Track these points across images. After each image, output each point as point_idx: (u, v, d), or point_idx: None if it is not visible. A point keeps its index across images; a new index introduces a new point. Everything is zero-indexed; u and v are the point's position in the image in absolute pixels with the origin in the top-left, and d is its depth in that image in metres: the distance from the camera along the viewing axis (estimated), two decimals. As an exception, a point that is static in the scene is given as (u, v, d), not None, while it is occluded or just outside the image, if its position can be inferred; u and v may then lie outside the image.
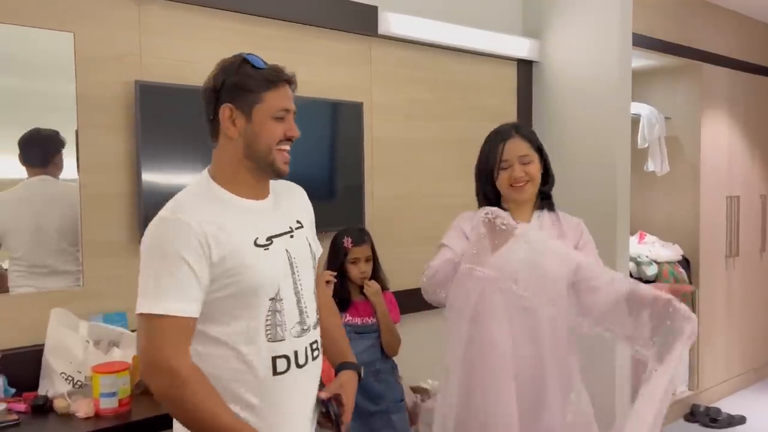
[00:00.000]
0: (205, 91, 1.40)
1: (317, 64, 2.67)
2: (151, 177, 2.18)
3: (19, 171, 2.02)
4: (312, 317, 1.44)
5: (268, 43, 2.52)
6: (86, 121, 2.11)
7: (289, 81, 1.40)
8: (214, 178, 1.39)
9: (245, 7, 2.43)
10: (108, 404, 1.78)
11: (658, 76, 4.34)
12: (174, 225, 1.28)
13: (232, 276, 1.30)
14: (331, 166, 2.69)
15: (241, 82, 1.35)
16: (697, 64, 4.15)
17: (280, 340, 1.35)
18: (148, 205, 2.17)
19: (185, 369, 1.25)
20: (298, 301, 1.40)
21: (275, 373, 1.34)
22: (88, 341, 1.93)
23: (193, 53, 2.33)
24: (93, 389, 1.79)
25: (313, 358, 1.43)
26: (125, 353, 1.94)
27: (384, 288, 2.34)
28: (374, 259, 2.34)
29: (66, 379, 1.87)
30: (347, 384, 1.55)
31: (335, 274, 2.24)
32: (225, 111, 1.35)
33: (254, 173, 1.39)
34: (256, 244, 1.34)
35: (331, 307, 1.70)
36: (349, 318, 2.27)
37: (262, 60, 1.40)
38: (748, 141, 4.63)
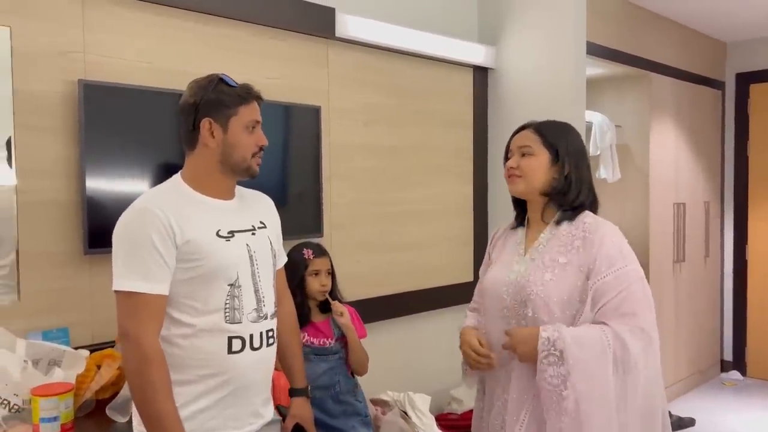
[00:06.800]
0: (184, 106, 1.57)
1: (271, 66, 2.57)
2: (97, 183, 2.04)
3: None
4: (269, 307, 1.61)
5: (220, 42, 2.41)
6: (24, 122, 1.95)
7: (258, 97, 1.62)
8: (185, 179, 1.57)
9: (197, 4, 2.31)
10: (49, 430, 1.63)
11: (609, 85, 4.42)
12: (142, 213, 1.46)
13: (193, 260, 1.47)
14: (286, 172, 2.59)
15: (218, 98, 1.54)
16: (645, 74, 4.24)
17: (237, 323, 1.51)
18: (93, 213, 2.03)
19: (150, 347, 1.42)
20: (257, 291, 1.57)
21: (230, 351, 1.51)
22: (26, 361, 1.77)
23: (141, 52, 2.20)
24: (32, 414, 1.64)
25: (268, 345, 1.59)
26: (68, 373, 1.79)
27: (340, 301, 2.26)
28: (332, 273, 2.25)
29: (1, 404, 1.70)
30: (302, 413, 1.81)
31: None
32: (205, 124, 1.54)
33: (226, 176, 1.58)
34: (217, 235, 1.52)
35: (293, 323, 1.86)
36: (307, 338, 2.15)
37: (233, 80, 1.60)
38: (693, 149, 4.77)
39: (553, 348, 1.53)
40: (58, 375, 1.77)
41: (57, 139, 2.02)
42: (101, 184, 2.05)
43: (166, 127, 2.18)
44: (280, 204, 2.56)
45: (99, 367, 1.90)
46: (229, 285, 1.51)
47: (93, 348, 2.02)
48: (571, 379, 1.52)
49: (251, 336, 1.53)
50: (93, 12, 2.09)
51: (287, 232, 2.40)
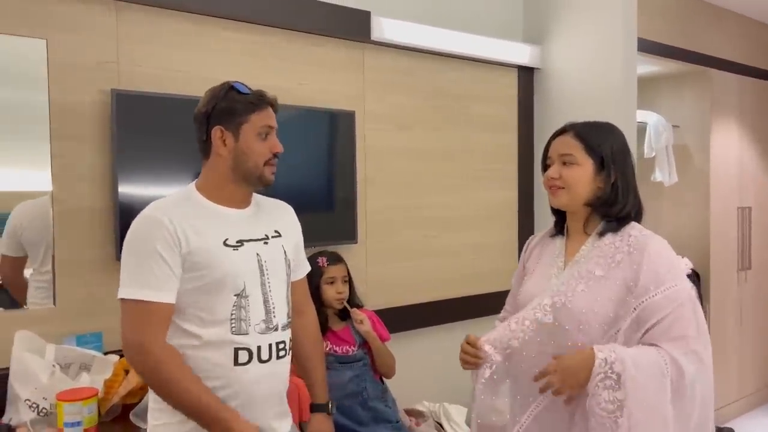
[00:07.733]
0: (197, 115, 1.56)
1: (307, 72, 2.56)
2: (129, 190, 2.07)
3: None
4: (280, 319, 1.56)
5: (253, 49, 2.41)
6: (60, 131, 2.01)
7: (271, 104, 1.58)
8: (198, 188, 1.56)
9: (230, 12, 2.33)
10: (72, 434, 1.66)
11: (666, 83, 4.21)
12: (148, 221, 1.45)
13: (199, 270, 1.45)
14: (323, 177, 2.57)
15: (229, 106, 1.53)
16: (704, 70, 4.01)
17: (244, 334, 1.48)
18: (125, 220, 2.05)
19: (158, 348, 1.40)
20: (266, 301, 1.53)
21: (236, 363, 1.47)
22: (54, 365, 1.81)
23: (173, 61, 2.23)
24: (57, 418, 1.67)
25: (278, 357, 1.55)
26: (95, 378, 1.82)
27: (359, 307, 2.22)
28: (349, 280, 2.22)
29: (30, 407, 1.74)
30: (322, 430, 1.76)
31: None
32: (216, 132, 1.53)
33: (239, 185, 1.55)
34: (225, 244, 1.49)
35: (315, 334, 1.80)
36: (330, 346, 2.13)
37: (246, 86, 1.56)
38: (760, 150, 4.49)
39: (610, 371, 1.41)
40: (85, 380, 1.80)
41: (91, 147, 2.07)
42: (133, 192, 2.08)
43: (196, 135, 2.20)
44: (314, 210, 2.56)
45: (127, 371, 1.92)
46: (235, 295, 1.47)
47: (125, 353, 2.05)
48: (628, 404, 1.40)
49: (259, 348, 1.49)
50: (126, 23, 2.13)
51: (320, 239, 2.39)
